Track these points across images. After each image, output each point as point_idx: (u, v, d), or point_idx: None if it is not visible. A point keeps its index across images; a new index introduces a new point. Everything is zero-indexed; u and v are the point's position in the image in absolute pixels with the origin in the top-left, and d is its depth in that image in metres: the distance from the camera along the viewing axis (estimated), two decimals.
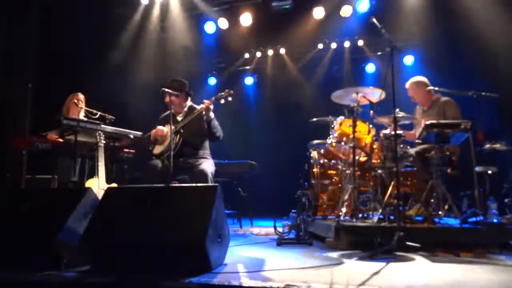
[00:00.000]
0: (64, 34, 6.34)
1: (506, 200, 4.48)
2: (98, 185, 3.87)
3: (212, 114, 3.80)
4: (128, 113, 6.14)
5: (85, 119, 4.50)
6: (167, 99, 3.90)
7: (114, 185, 4.03)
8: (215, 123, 3.87)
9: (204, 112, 3.74)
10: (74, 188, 4.18)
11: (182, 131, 3.88)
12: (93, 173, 4.07)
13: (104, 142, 4.06)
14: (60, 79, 6.04)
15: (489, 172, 3.59)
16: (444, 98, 4.21)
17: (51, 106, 5.03)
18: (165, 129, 3.93)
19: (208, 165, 3.76)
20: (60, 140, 4.26)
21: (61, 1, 6.25)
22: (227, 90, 3.73)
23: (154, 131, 3.99)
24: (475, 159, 3.44)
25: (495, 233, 3.06)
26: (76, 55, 6.64)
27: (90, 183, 3.97)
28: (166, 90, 3.79)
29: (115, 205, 2.52)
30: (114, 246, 2.31)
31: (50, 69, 6.08)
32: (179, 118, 4.08)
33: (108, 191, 2.69)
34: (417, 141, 3.98)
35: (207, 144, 4.08)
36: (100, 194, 3.62)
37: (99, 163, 3.95)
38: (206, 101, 3.78)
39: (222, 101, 3.74)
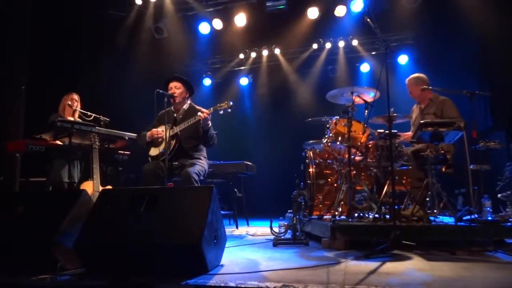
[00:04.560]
0: (57, 35, 6.31)
1: (499, 195, 4.52)
2: (93, 187, 3.85)
3: (209, 123, 3.80)
4: (122, 115, 6.12)
5: (80, 120, 4.49)
6: (172, 90, 3.99)
7: (109, 187, 4.02)
8: (212, 132, 3.88)
9: (201, 121, 3.74)
10: (68, 191, 4.16)
11: (179, 133, 3.87)
12: (88, 175, 4.05)
13: (99, 144, 4.04)
14: (53, 81, 6.01)
15: (483, 170, 3.62)
16: (442, 97, 4.24)
17: (45, 109, 5.00)
18: (160, 130, 3.92)
19: (195, 167, 3.73)
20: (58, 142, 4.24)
21: (55, 1, 6.21)
22: (226, 102, 3.70)
23: (150, 132, 3.97)
24: (469, 157, 3.45)
25: (490, 230, 3.07)
26: (70, 57, 6.61)
27: (85, 186, 3.95)
28: (161, 92, 3.78)
29: (110, 207, 2.51)
30: (109, 248, 2.29)
31: (43, 70, 6.04)
32: (177, 116, 4.08)
33: (103, 193, 2.68)
34: (411, 140, 4.00)
35: (202, 145, 4.07)
36: (95, 196, 3.60)
37: (94, 165, 3.93)
38: (205, 110, 3.77)
39: (221, 112, 3.73)
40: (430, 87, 4.19)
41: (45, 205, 2.62)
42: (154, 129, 3.95)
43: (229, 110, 3.71)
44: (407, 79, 4.50)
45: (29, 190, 4.42)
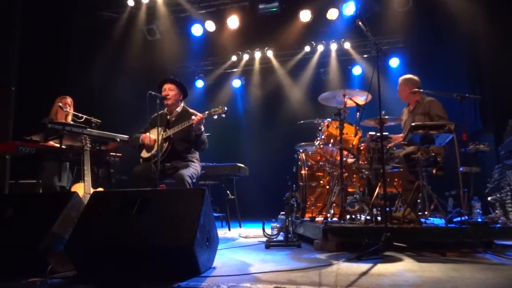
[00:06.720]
0: (48, 36, 6.25)
1: (489, 198, 4.58)
2: (84, 189, 3.83)
3: (202, 128, 3.80)
4: (114, 116, 6.08)
5: (72, 122, 4.45)
6: (165, 92, 3.99)
7: (100, 189, 3.99)
8: (203, 137, 3.88)
9: (194, 125, 3.73)
10: (59, 193, 4.12)
11: (172, 136, 3.87)
12: (79, 177, 4.01)
13: (90, 145, 4.01)
14: (44, 82, 5.95)
15: (473, 172, 3.66)
16: (428, 98, 4.29)
17: (35, 110, 4.95)
18: (153, 137, 3.90)
19: (188, 169, 3.73)
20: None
21: (46, 3, 6.16)
22: (220, 107, 3.70)
23: (143, 135, 3.96)
24: (459, 159, 3.50)
25: (480, 232, 3.11)
26: (62, 57, 6.56)
27: (76, 188, 3.92)
28: (154, 93, 3.77)
29: (101, 209, 2.49)
30: (100, 251, 2.27)
31: (33, 71, 5.98)
32: (170, 118, 4.07)
33: (94, 195, 2.66)
34: (402, 142, 4.04)
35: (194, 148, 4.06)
36: (86, 198, 3.58)
37: (85, 167, 3.90)
38: (199, 114, 3.77)
39: (215, 116, 3.73)
40: (421, 90, 4.24)
41: (35, 207, 2.59)
42: (146, 134, 3.93)
43: (224, 116, 3.70)
44: (399, 78, 4.55)
45: (19, 192, 4.36)
